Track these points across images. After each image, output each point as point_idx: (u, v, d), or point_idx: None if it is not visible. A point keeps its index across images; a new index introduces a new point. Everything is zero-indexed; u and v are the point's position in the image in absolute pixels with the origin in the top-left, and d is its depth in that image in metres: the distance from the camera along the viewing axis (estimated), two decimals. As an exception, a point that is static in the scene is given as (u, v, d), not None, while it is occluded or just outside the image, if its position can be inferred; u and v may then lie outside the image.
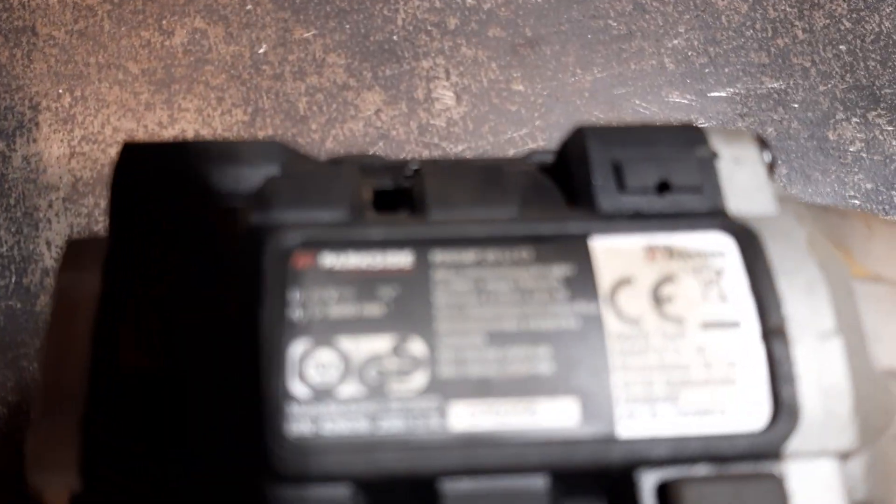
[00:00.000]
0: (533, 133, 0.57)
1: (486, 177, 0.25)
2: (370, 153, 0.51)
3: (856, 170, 0.57)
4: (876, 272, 0.27)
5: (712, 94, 0.59)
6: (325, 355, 0.22)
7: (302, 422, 0.21)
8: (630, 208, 0.24)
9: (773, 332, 0.22)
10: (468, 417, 0.21)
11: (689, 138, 0.26)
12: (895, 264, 0.27)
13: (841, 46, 0.61)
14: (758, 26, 0.61)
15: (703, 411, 0.22)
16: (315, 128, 0.56)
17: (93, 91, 0.56)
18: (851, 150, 0.58)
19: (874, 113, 0.59)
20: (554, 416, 0.22)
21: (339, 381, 0.22)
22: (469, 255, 0.23)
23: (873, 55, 0.60)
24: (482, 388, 0.22)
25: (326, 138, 0.56)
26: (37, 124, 0.55)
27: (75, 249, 0.25)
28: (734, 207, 0.25)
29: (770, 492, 0.22)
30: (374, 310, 0.22)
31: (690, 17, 0.61)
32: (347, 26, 0.59)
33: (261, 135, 0.56)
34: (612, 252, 0.23)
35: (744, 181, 0.25)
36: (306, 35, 0.59)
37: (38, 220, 0.53)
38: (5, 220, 0.52)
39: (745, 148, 0.26)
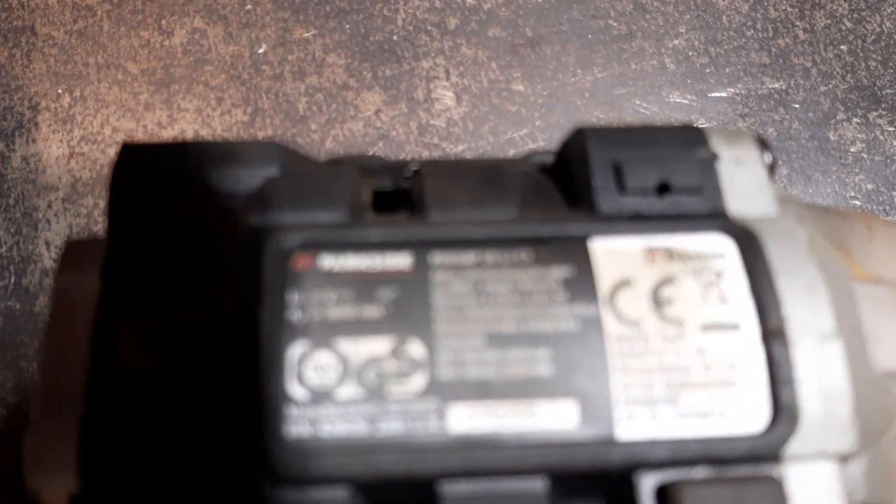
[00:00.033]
0: (533, 133, 0.57)
1: (486, 178, 0.25)
2: (370, 153, 0.51)
3: (857, 170, 0.57)
4: (876, 274, 0.27)
5: (713, 95, 0.59)
6: (323, 357, 0.22)
7: (300, 424, 0.21)
8: (630, 209, 0.24)
9: (773, 334, 0.22)
10: (467, 419, 0.21)
11: (689, 139, 0.26)
12: (896, 266, 0.27)
13: (842, 46, 0.60)
14: (759, 26, 0.61)
15: (702, 413, 0.22)
16: (315, 128, 0.56)
17: (92, 91, 0.56)
18: (852, 150, 0.58)
19: (875, 113, 0.59)
20: (553, 419, 0.22)
21: (338, 382, 0.21)
22: (468, 257, 0.23)
23: (874, 55, 0.60)
24: (481, 390, 0.22)
25: (326, 138, 0.56)
26: (36, 124, 0.55)
27: (74, 250, 0.25)
28: (734, 209, 0.24)
29: (769, 494, 0.22)
30: (373, 311, 0.22)
31: (691, 16, 0.61)
32: (347, 26, 0.59)
33: (260, 135, 0.56)
34: (612, 254, 0.23)
35: (744, 182, 0.25)
36: (306, 35, 0.59)
37: (37, 221, 0.53)
38: (4, 221, 0.52)
39: (746, 149, 0.26)
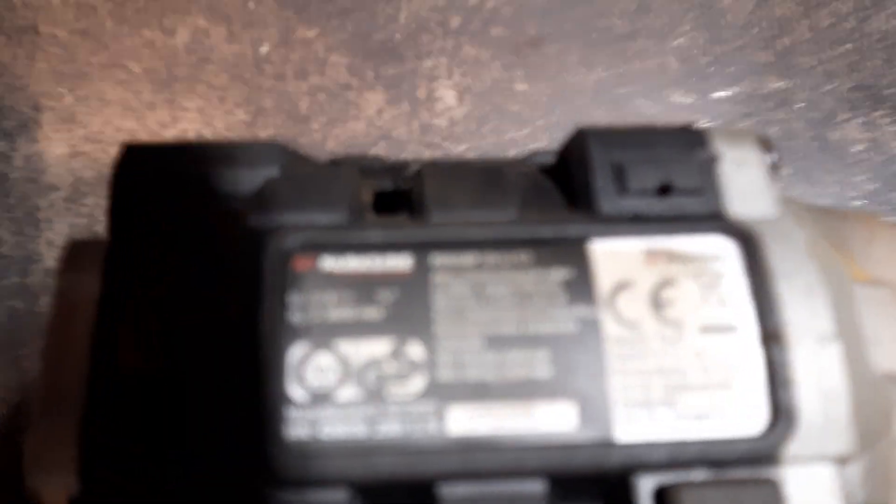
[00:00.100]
0: (535, 133, 0.57)
1: (486, 179, 0.25)
2: (371, 153, 0.51)
3: (859, 171, 0.57)
4: (876, 275, 0.27)
5: (716, 94, 0.59)
6: (323, 359, 0.22)
7: (300, 426, 0.21)
8: (630, 211, 0.24)
9: (772, 337, 0.22)
10: (466, 421, 0.21)
11: (690, 140, 0.26)
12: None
13: (846, 46, 0.60)
14: (762, 25, 0.61)
15: (701, 415, 0.22)
16: (317, 127, 0.56)
17: (94, 90, 0.56)
18: (855, 150, 0.57)
19: (878, 113, 0.58)
20: (552, 420, 0.22)
21: (338, 384, 0.22)
22: (468, 259, 0.23)
23: (878, 55, 0.60)
24: (480, 392, 0.22)
25: (328, 138, 0.56)
26: (38, 124, 0.55)
27: (75, 251, 0.25)
28: (735, 210, 0.24)
29: (768, 497, 0.22)
30: (373, 313, 0.22)
31: (694, 16, 0.61)
32: (350, 25, 0.59)
33: (262, 135, 0.56)
34: (612, 255, 0.23)
35: (745, 184, 0.25)
36: (309, 34, 0.59)
37: (38, 220, 0.53)
38: (6, 220, 0.52)
39: (748, 150, 0.26)
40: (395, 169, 0.27)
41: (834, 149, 0.58)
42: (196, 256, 0.23)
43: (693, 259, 0.23)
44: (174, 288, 0.23)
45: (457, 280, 0.23)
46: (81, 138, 0.55)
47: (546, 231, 0.24)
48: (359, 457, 0.21)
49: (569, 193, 0.25)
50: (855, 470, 0.23)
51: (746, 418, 0.22)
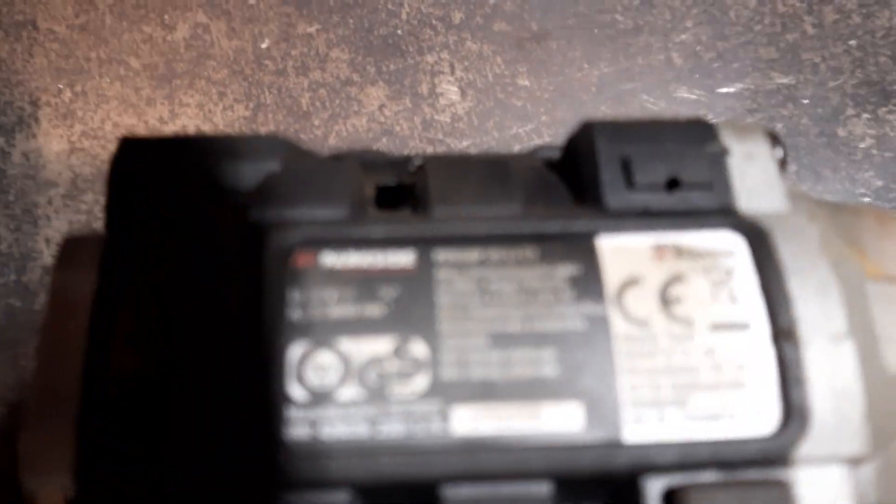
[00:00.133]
0: (539, 129, 0.57)
1: (491, 173, 0.25)
2: (373, 149, 0.51)
3: (866, 167, 0.57)
4: (889, 272, 0.26)
5: (721, 90, 0.58)
6: (324, 357, 0.21)
7: (300, 426, 0.21)
8: (638, 206, 0.24)
9: (784, 334, 0.22)
10: (470, 421, 0.21)
11: (699, 134, 0.25)
12: (909, 264, 0.27)
13: (851, 42, 0.60)
14: (767, 21, 0.60)
15: (711, 416, 0.21)
16: (318, 123, 0.56)
17: (93, 86, 0.56)
18: (862, 146, 0.57)
19: (885, 109, 0.58)
20: (558, 421, 0.21)
21: (339, 383, 0.21)
22: (472, 254, 0.23)
23: (884, 50, 0.60)
24: (485, 392, 0.21)
25: (329, 134, 0.55)
26: (36, 120, 0.55)
27: (71, 247, 0.25)
28: (745, 205, 0.24)
29: (779, 499, 0.21)
30: (374, 310, 0.22)
31: (698, 11, 0.60)
32: (351, 21, 0.58)
33: (263, 131, 0.55)
34: (620, 251, 0.23)
35: (755, 178, 0.25)
36: (309, 30, 0.58)
37: (37, 217, 0.52)
38: (4, 217, 0.52)
39: (757, 144, 0.25)
40: (398, 164, 0.27)
41: (840, 145, 0.57)
42: (194, 252, 0.23)
43: (702, 255, 0.23)
44: (172, 284, 0.23)
45: (461, 276, 0.22)
46: (80, 134, 0.55)
47: (552, 226, 0.23)
48: (360, 458, 0.21)
49: (575, 188, 0.25)
50: (867, 471, 0.23)
51: (758, 418, 0.21)
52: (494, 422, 0.21)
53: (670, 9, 0.60)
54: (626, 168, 0.24)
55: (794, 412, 0.21)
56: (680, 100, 0.58)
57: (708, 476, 0.21)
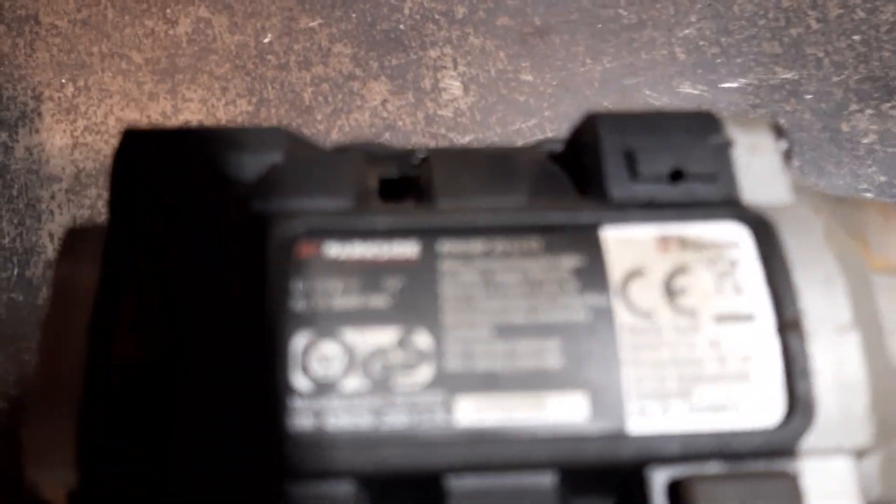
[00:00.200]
0: (542, 124, 0.56)
1: (495, 165, 0.25)
2: (377, 142, 0.51)
3: (869, 162, 0.56)
4: (893, 264, 0.26)
5: (724, 85, 0.58)
6: (328, 348, 0.21)
7: (304, 416, 0.21)
8: (642, 197, 0.24)
9: (789, 326, 0.22)
10: (474, 412, 0.21)
11: (703, 125, 0.25)
12: (914, 256, 0.27)
13: (855, 37, 0.60)
14: (770, 16, 0.60)
15: (716, 407, 0.21)
16: (320, 118, 0.56)
17: (96, 81, 0.56)
18: (865, 141, 0.57)
19: (888, 104, 0.58)
20: (563, 412, 0.21)
21: (343, 374, 0.21)
22: (477, 246, 0.23)
23: (888, 45, 0.59)
24: (489, 383, 0.21)
25: (332, 129, 0.55)
26: (39, 114, 0.55)
27: (74, 238, 0.25)
28: (749, 196, 0.24)
29: (784, 490, 0.21)
30: (379, 301, 0.22)
31: (702, 6, 0.60)
32: (354, 15, 0.58)
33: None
34: (624, 242, 0.23)
35: (759, 170, 0.24)
36: (312, 24, 0.58)
37: (40, 212, 0.52)
38: (7, 212, 0.52)
39: (761, 136, 0.25)
40: (402, 156, 0.27)
41: (844, 140, 0.57)
42: (198, 243, 0.23)
43: (707, 246, 0.23)
44: (175, 275, 0.22)
45: (465, 267, 0.22)
46: (83, 129, 0.55)
47: (556, 217, 0.23)
48: (365, 449, 0.20)
49: (579, 180, 0.25)
50: (872, 463, 0.23)
51: (762, 410, 0.21)
52: (498, 413, 0.21)
53: (674, 3, 0.60)
54: (631, 159, 0.24)
55: (799, 404, 0.21)
56: (683, 95, 0.58)
57: (712, 467, 0.21)
